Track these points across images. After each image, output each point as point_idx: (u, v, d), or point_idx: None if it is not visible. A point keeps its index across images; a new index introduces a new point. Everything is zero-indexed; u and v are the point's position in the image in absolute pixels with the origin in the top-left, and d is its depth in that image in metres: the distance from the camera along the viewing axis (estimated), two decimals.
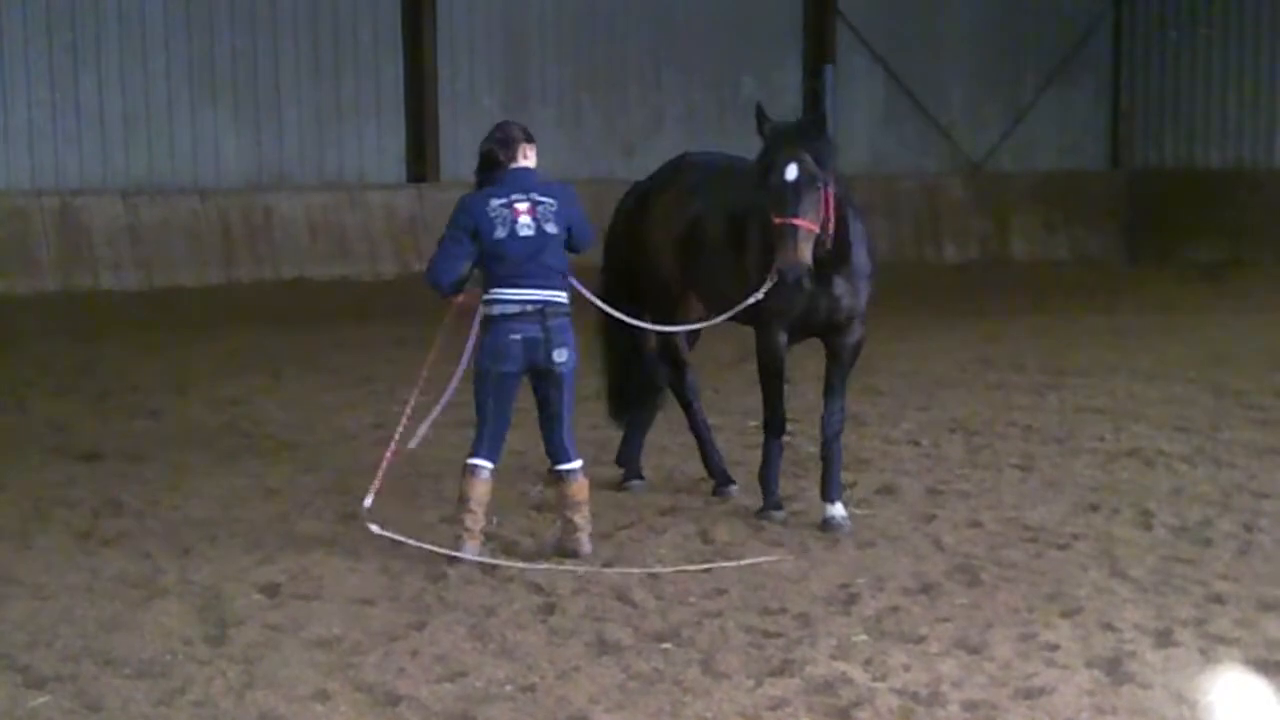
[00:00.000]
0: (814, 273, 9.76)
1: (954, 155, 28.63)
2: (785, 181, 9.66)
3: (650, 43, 26.22)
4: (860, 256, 10.26)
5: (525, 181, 9.74)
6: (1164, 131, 29.25)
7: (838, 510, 10.42)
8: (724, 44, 26.63)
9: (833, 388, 10.58)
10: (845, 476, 11.74)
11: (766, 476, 10.71)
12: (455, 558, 9.55)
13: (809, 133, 9.90)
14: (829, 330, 10.43)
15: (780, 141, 9.83)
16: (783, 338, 10.41)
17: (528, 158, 9.82)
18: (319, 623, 8.52)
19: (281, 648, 8.15)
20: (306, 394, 15.37)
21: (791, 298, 9.95)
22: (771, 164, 9.79)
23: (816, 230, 9.71)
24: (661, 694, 7.49)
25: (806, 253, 9.62)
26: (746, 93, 26.78)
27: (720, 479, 11.42)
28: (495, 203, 9.68)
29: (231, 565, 9.61)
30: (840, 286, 10.21)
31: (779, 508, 10.64)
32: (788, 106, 27.02)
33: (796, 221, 9.61)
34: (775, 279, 9.79)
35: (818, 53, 27.43)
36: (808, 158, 9.69)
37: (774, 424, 10.68)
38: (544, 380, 9.69)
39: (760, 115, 10.03)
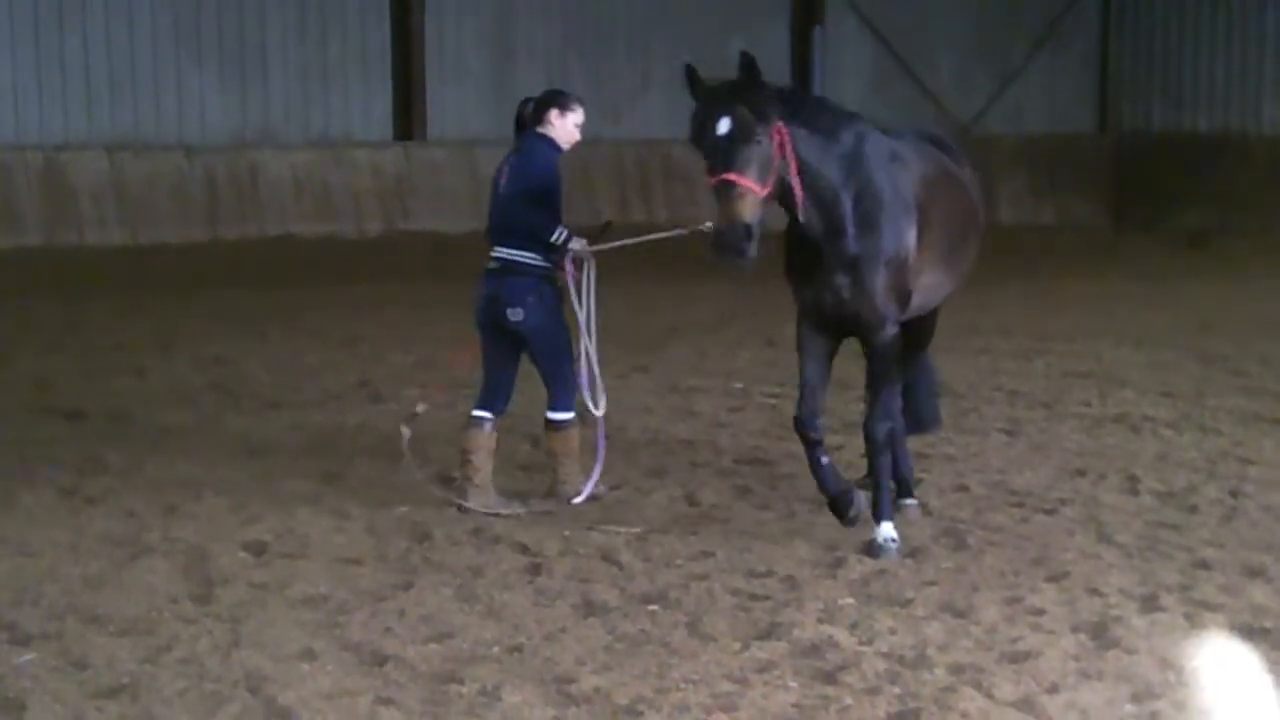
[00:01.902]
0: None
1: (942, 119, 28.54)
2: (717, 136, 8.59)
3: (638, 4, 26.14)
4: (863, 241, 8.99)
5: (524, 145, 9.93)
6: (1152, 97, 29.21)
7: (883, 531, 9.14)
8: (712, 6, 26.55)
9: (868, 390, 9.43)
10: (832, 440, 11.76)
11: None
12: (460, 505, 9.84)
13: (745, 87, 8.79)
14: (852, 327, 9.24)
15: (712, 96, 8.82)
16: (804, 328, 9.28)
17: (552, 123, 9.89)
18: (305, 582, 8.52)
19: (267, 606, 8.15)
20: (291, 353, 15.34)
21: (731, 264, 8.54)
22: (703, 122, 8.73)
23: (760, 191, 8.57)
24: (648, 656, 7.50)
25: (745, 211, 8.46)
26: (735, 54, 26.66)
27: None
28: (500, 164, 10.07)
29: (217, 524, 9.60)
30: (840, 276, 9.02)
31: (846, 517, 9.36)
32: (776, 69, 27.04)
33: (730, 177, 8.51)
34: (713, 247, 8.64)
35: (806, 15, 27.37)
36: (744, 111, 8.64)
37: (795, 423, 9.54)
38: (518, 338, 9.93)
39: (691, 77, 8.95)
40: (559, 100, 9.97)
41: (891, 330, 9.17)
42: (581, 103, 10.02)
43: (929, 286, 9.53)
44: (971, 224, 9.96)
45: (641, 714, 6.85)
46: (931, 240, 9.36)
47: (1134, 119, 29.50)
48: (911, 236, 9.19)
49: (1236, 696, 7.16)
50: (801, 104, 9.11)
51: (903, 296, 9.21)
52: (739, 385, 13.71)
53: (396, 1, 24.13)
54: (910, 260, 9.18)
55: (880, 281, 9.05)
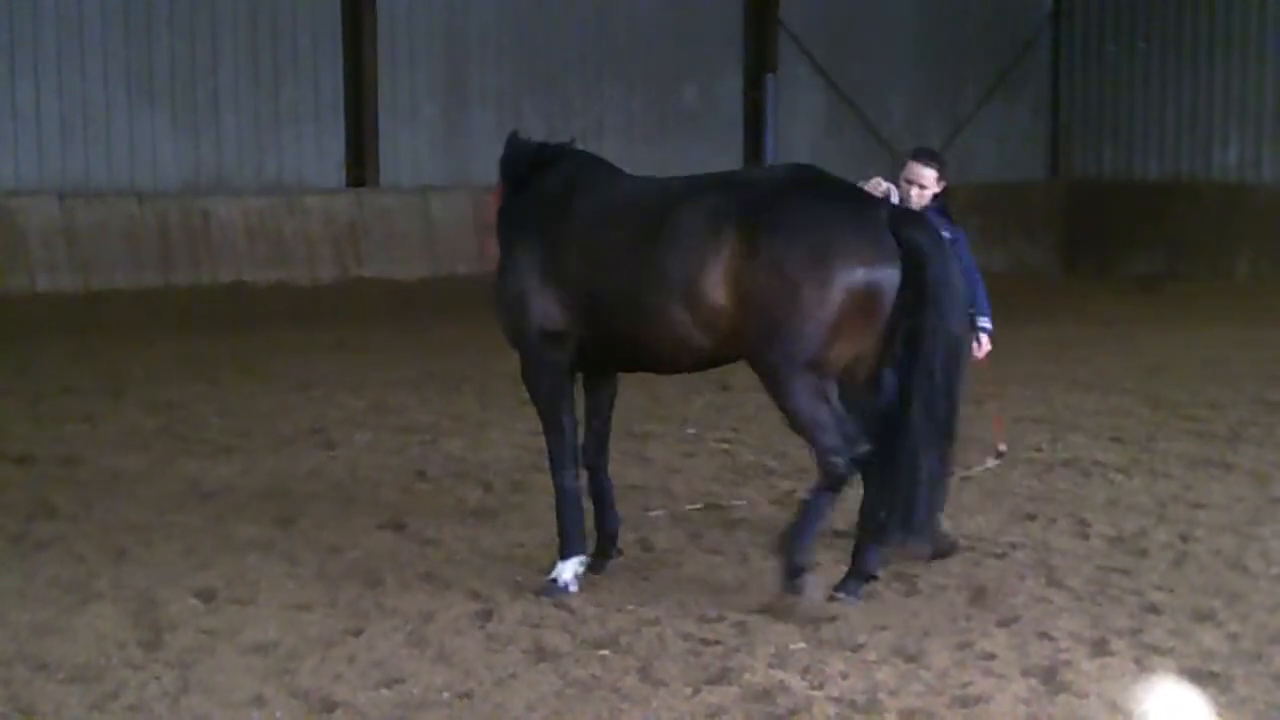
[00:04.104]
0: None
1: (895, 165, 28.65)
2: None
3: (591, 50, 26.21)
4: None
5: None
6: (1103, 143, 29.43)
7: (557, 570, 9.32)
8: (665, 52, 26.63)
9: None
10: (785, 484, 11.77)
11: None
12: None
13: None
14: None
15: None
16: None
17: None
18: (255, 628, 8.48)
19: (217, 653, 8.11)
20: (244, 398, 15.29)
21: None
22: None
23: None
24: (599, 701, 7.48)
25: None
26: (688, 100, 26.84)
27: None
28: None
29: (167, 570, 9.55)
30: None
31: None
32: (729, 115, 27.19)
33: None
34: None
35: (759, 62, 27.48)
36: None
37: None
38: None
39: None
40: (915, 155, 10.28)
41: (525, 364, 9.43)
42: (919, 159, 10.15)
43: (595, 341, 9.30)
44: (662, 285, 8.88)
45: None
46: (573, 290, 9.23)
47: (1085, 165, 29.71)
48: (520, 276, 9.32)
49: None
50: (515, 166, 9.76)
51: (526, 335, 9.32)
52: (691, 431, 13.72)
53: (349, 47, 24.12)
54: (518, 298, 9.31)
55: (500, 312, 9.49)
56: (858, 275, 8.50)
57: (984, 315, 10.31)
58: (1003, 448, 10.98)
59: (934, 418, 8.67)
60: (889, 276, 8.56)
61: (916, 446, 8.64)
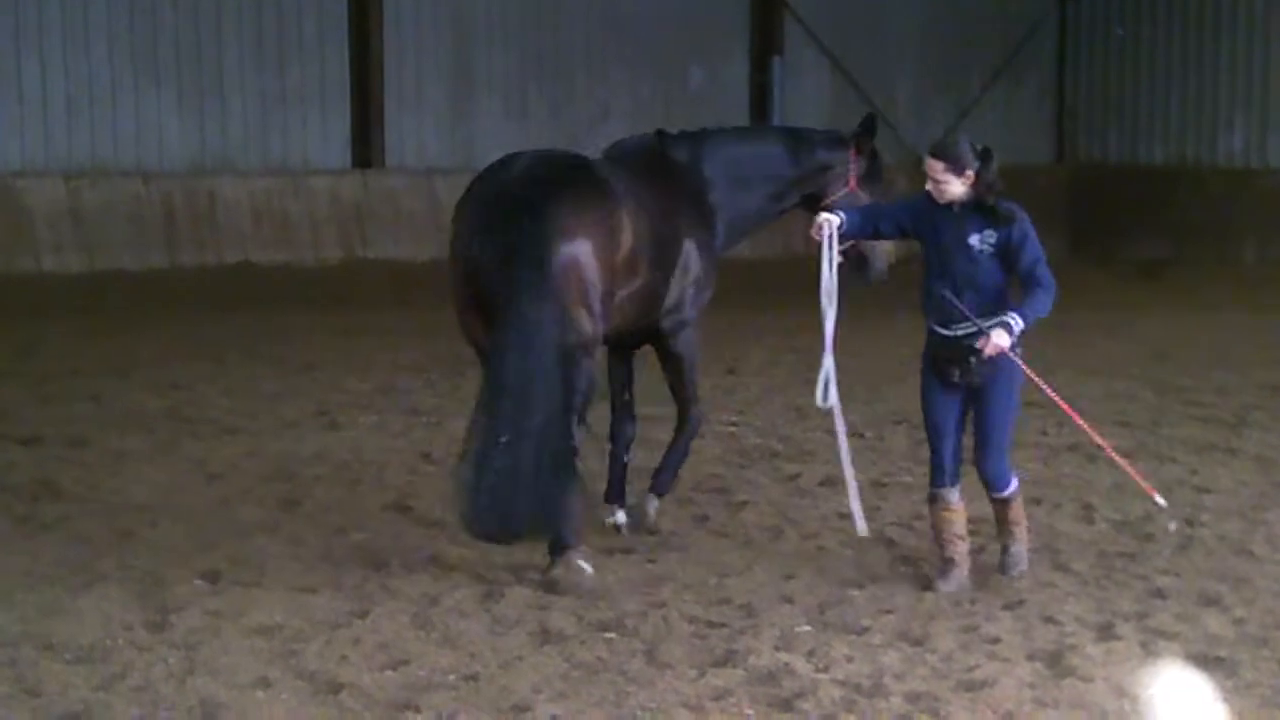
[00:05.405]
0: None
1: (900, 149, 28.66)
2: None
3: (597, 34, 26.19)
4: None
5: None
6: (1108, 128, 29.41)
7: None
8: (671, 35, 26.62)
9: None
10: (790, 468, 11.80)
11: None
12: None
13: None
14: None
15: None
16: None
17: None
18: (260, 610, 8.48)
19: (222, 634, 8.11)
20: (249, 380, 15.29)
21: None
22: None
23: None
24: (605, 683, 7.48)
25: None
26: (694, 84, 26.82)
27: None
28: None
29: (172, 551, 9.55)
30: None
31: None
32: (735, 99, 27.16)
33: None
34: None
35: (765, 45, 27.47)
36: None
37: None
38: None
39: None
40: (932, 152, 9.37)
41: None
42: (932, 155, 9.32)
43: None
44: None
45: None
46: None
47: (1090, 150, 29.70)
48: None
49: None
50: None
51: None
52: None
53: (356, 29, 24.11)
54: None
55: None
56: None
57: (1013, 311, 9.13)
58: (1161, 500, 9.23)
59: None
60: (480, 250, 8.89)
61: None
